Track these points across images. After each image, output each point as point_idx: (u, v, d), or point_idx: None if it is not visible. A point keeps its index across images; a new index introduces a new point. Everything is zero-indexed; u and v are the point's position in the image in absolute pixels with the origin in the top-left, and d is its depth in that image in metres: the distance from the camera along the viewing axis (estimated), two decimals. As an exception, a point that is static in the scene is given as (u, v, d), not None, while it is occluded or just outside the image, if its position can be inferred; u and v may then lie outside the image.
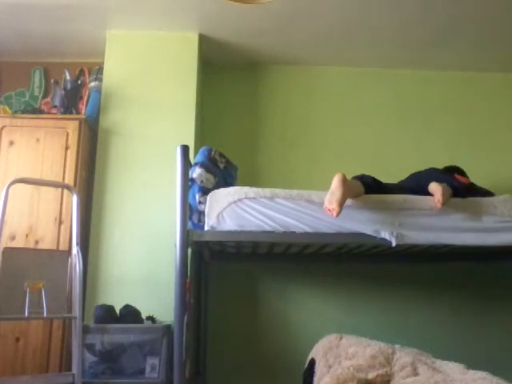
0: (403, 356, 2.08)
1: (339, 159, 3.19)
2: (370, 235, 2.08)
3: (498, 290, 3.04)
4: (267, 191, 2.11)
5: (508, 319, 3.00)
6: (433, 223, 2.12)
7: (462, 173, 2.71)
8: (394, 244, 2.06)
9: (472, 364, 2.02)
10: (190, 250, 2.38)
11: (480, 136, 3.32)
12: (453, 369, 2.01)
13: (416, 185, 2.34)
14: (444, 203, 2.10)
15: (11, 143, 2.69)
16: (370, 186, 2.21)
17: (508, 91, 3.40)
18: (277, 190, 2.13)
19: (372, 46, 3.14)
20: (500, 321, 3.00)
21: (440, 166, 2.77)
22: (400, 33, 2.98)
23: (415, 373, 2.01)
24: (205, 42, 3.06)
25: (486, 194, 2.48)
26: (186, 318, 2.03)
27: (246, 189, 2.13)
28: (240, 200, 2.08)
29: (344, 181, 2.05)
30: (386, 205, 2.13)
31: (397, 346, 2.18)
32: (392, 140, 3.27)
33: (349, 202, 2.08)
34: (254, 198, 2.09)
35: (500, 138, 3.31)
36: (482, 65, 3.33)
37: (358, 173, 2.35)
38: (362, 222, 2.09)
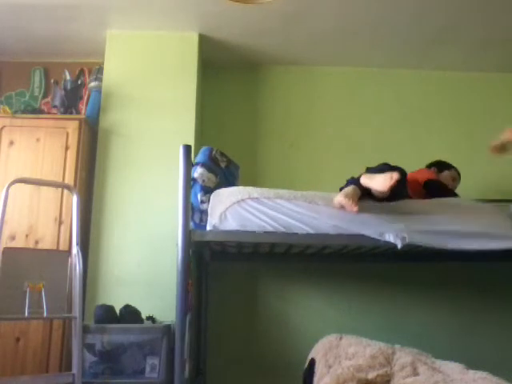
0: (403, 356, 2.08)
1: (339, 159, 3.19)
2: (373, 238, 2.04)
3: (498, 290, 3.04)
4: (271, 192, 2.09)
5: (508, 319, 3.00)
6: (438, 227, 2.09)
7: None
8: (399, 246, 2.01)
9: (472, 364, 2.01)
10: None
11: (480, 136, 3.30)
12: (453, 369, 2.00)
13: None
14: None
15: (11, 143, 2.69)
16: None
17: (508, 91, 3.40)
18: (280, 191, 2.10)
19: (372, 45, 3.14)
20: (500, 321, 3.00)
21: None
22: (400, 33, 2.98)
23: (415, 373, 2.00)
24: (205, 42, 3.06)
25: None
26: (188, 317, 2.02)
27: (249, 189, 2.11)
28: (243, 200, 2.05)
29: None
30: (391, 208, 2.10)
31: (397, 346, 2.18)
32: (392, 140, 3.27)
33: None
34: (257, 199, 2.06)
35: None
36: (482, 65, 3.33)
37: (358, 173, 2.30)
38: (366, 224, 2.05)
